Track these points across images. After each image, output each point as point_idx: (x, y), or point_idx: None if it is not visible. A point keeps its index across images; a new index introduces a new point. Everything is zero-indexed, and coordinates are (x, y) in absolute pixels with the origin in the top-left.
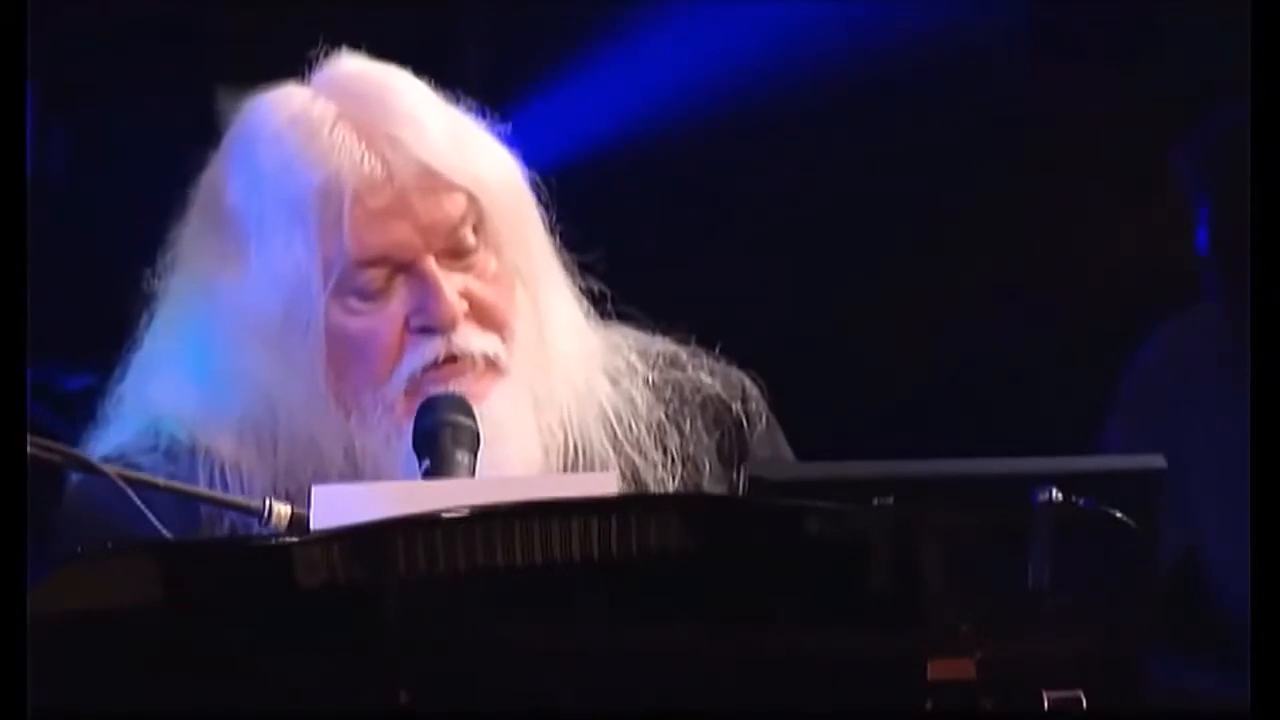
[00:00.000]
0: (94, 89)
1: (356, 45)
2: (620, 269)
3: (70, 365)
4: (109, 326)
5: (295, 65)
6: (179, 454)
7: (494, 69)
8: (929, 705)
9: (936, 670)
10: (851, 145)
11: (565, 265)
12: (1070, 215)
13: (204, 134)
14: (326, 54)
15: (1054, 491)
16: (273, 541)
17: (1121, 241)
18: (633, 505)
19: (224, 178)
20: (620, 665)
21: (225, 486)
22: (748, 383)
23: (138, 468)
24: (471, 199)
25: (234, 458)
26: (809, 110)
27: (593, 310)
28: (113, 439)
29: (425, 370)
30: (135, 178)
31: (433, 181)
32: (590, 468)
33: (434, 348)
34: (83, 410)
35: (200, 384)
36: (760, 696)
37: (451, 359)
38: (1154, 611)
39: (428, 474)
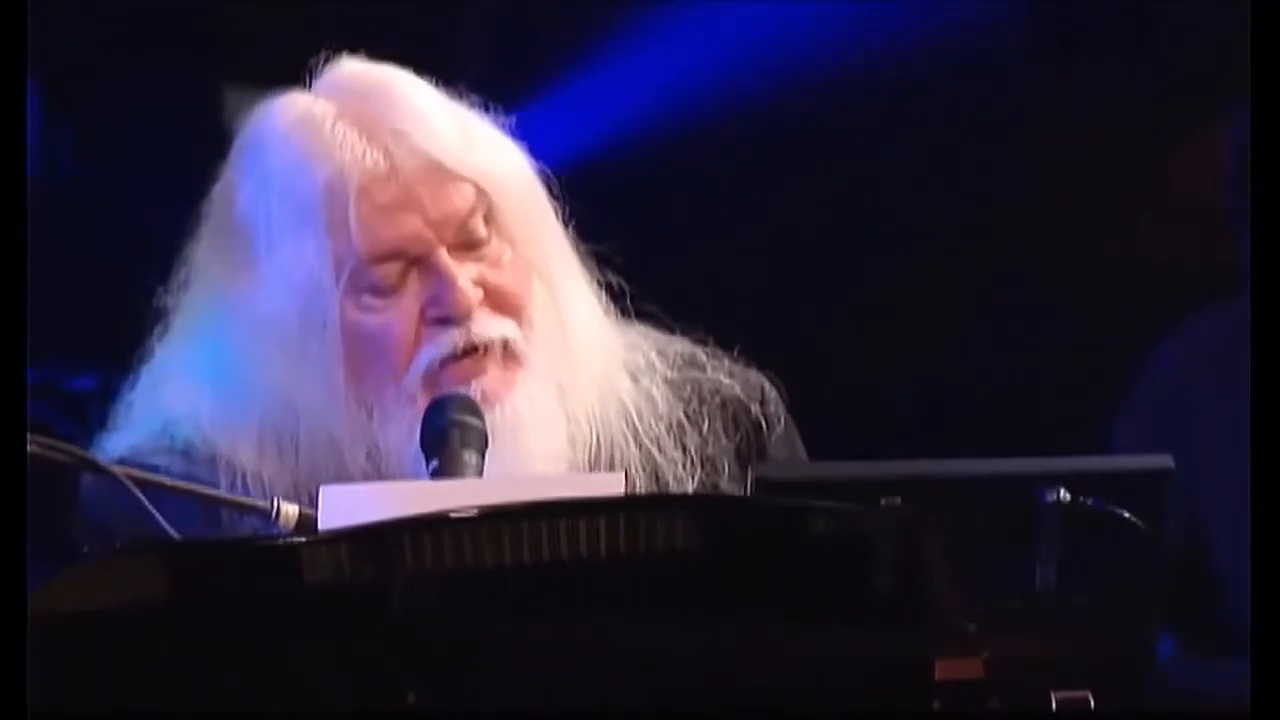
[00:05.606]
0: (97, 88)
1: (361, 44)
2: (637, 267)
3: (71, 365)
4: (110, 327)
5: (298, 63)
6: (194, 455)
7: (507, 62)
8: (936, 705)
9: (944, 670)
10: (854, 146)
11: (583, 259)
12: (1078, 215)
13: (208, 132)
14: (327, 60)
15: (1062, 491)
16: (280, 541)
17: (1128, 241)
18: (639, 505)
19: (233, 185)
20: (627, 665)
21: (247, 494)
22: (766, 385)
23: (152, 468)
24: (479, 190)
25: (255, 467)
26: (816, 112)
27: (612, 306)
28: (124, 440)
29: (444, 362)
30: (137, 177)
31: (439, 174)
32: (613, 462)
33: (451, 338)
34: (86, 413)
35: (216, 390)
36: (767, 696)
37: (471, 349)
38: (1161, 611)
39: (435, 474)
